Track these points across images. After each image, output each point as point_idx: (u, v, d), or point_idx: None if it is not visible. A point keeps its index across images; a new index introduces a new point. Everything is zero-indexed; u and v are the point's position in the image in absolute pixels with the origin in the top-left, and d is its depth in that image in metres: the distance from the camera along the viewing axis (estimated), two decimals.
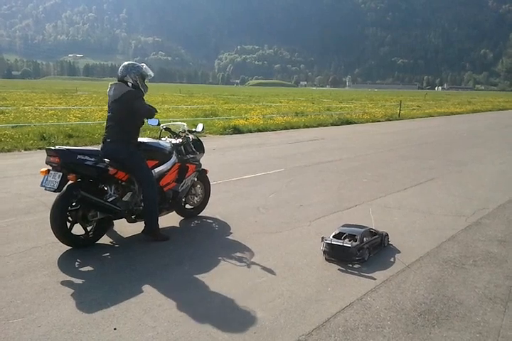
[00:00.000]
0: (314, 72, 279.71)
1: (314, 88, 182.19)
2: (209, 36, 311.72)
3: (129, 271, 3.81)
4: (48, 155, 4.12)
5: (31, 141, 10.40)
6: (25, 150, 9.89)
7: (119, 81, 4.55)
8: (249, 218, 5.44)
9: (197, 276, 3.74)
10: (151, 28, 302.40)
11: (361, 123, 20.83)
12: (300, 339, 2.85)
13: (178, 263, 4.01)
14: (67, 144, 10.33)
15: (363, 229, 4.31)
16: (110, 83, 4.62)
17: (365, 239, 4.22)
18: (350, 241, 4.15)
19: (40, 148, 9.86)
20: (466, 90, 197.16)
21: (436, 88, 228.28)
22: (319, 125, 18.59)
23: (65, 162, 4.06)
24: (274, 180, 7.73)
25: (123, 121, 4.46)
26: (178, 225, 5.20)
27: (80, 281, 3.61)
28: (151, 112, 4.58)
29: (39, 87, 59.77)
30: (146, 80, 4.67)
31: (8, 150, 9.70)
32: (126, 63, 4.62)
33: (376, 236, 4.39)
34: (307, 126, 17.87)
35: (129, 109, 4.42)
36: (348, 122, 20.22)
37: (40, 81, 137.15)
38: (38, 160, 4.13)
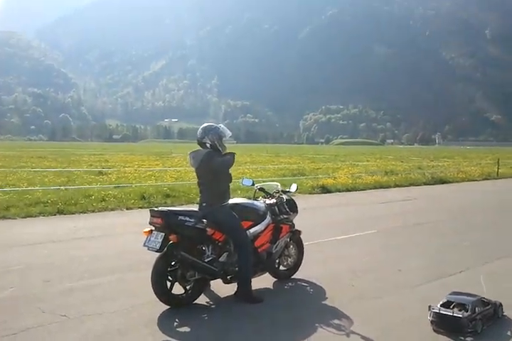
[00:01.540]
0: (401, 129, 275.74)
1: (402, 146, 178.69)
2: (294, 98, 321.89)
3: (224, 334, 3.77)
4: (151, 216, 4.33)
5: (132, 201, 11.04)
6: (127, 209, 10.51)
7: (198, 143, 4.68)
8: (345, 281, 5.24)
9: None
10: (240, 93, 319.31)
11: (456, 182, 19.83)
12: None
13: (273, 328, 3.91)
14: (165, 203, 10.85)
15: (474, 298, 3.97)
16: (188, 153, 4.76)
17: (477, 308, 3.86)
18: (460, 310, 3.82)
19: (140, 207, 10.43)
20: None
21: None
22: (411, 184, 17.96)
23: (167, 223, 4.23)
24: (368, 241, 7.47)
25: (212, 184, 4.60)
26: (271, 287, 5.13)
27: None
28: (227, 162, 4.59)
29: (138, 149, 64.48)
30: (223, 140, 4.71)
31: (112, 209, 10.36)
32: (204, 125, 4.74)
33: (489, 306, 4.01)
34: (398, 186, 17.33)
35: (212, 171, 4.54)
36: (442, 181, 19.34)
37: (139, 144, 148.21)
38: (139, 218, 4.37)
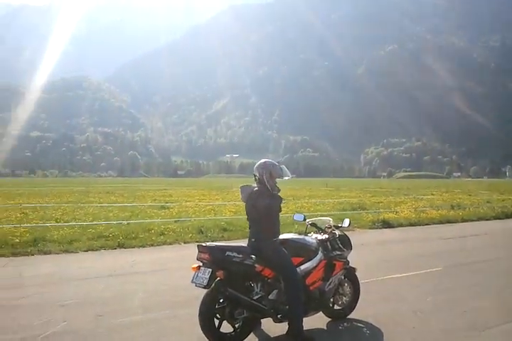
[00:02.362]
0: (468, 162, 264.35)
1: (469, 179, 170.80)
2: (354, 132, 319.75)
3: None
4: (199, 251, 4.30)
5: (190, 235, 11.14)
6: (185, 243, 10.60)
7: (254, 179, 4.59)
8: (405, 323, 4.90)
9: None
10: (300, 128, 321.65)
11: None
12: None
13: None
14: (222, 238, 10.88)
15: None
16: (240, 186, 4.69)
17: None
18: None
19: (197, 241, 10.46)
20: None
21: None
22: (479, 219, 16.94)
23: (214, 258, 4.17)
24: (431, 280, 7.01)
25: (259, 220, 4.50)
26: (325, 327, 4.89)
27: None
28: (276, 208, 4.46)
29: (200, 184, 65.96)
30: (277, 179, 4.54)
31: (170, 243, 10.49)
32: (263, 160, 4.63)
33: None
34: (465, 220, 16.38)
35: (258, 208, 4.45)
36: None
37: (201, 179, 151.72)
38: (195, 253, 4.35)
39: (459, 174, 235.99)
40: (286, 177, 4.61)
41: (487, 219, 17.00)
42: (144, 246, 10.09)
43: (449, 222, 15.98)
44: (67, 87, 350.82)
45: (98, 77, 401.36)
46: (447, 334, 4.54)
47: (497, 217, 17.42)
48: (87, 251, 9.38)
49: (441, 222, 15.74)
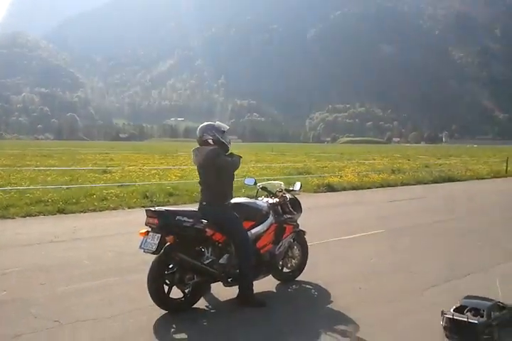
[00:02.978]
0: (408, 128, 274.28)
1: (408, 145, 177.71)
2: (300, 98, 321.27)
3: (226, 340, 3.58)
4: (147, 216, 4.13)
5: (135, 200, 10.86)
6: (129, 208, 10.33)
7: (199, 144, 4.51)
8: (352, 284, 5.02)
9: None
10: (247, 92, 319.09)
11: (464, 180, 19.53)
12: None
13: (276, 334, 3.71)
14: (168, 202, 10.68)
15: (489, 303, 3.73)
16: (191, 149, 4.60)
17: (493, 314, 3.62)
18: (475, 316, 3.59)
19: (143, 206, 10.17)
20: None
21: None
22: (418, 182, 17.69)
23: (163, 223, 4.03)
24: (375, 241, 7.24)
25: (213, 183, 4.41)
26: (274, 290, 4.92)
27: None
28: (234, 163, 4.44)
29: (143, 148, 64.49)
30: (225, 133, 4.53)
31: (113, 209, 10.18)
32: (200, 125, 4.58)
33: (505, 311, 3.77)
34: (405, 184, 17.06)
35: (216, 169, 4.35)
36: (450, 179, 19.04)
37: (145, 143, 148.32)
38: (141, 218, 4.20)
39: (399, 139, 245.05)
40: (226, 128, 4.57)
41: (425, 183, 17.76)
42: (85, 212, 9.73)
43: (389, 185, 16.57)
44: (2, 44, 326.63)
45: (35, 33, 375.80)
46: (391, 294, 4.69)
47: (435, 181, 18.25)
48: (24, 216, 8.93)
49: (382, 186, 16.28)
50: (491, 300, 3.83)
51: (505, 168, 23.69)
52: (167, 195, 11.52)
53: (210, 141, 4.44)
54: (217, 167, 4.35)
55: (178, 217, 4.10)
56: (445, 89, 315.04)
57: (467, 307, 3.76)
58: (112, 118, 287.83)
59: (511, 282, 5.09)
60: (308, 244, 5.40)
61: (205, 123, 4.59)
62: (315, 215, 9.39)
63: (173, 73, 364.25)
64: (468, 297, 3.96)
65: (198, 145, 4.53)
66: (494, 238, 7.67)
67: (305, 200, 5.79)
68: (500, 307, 3.80)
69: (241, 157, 4.59)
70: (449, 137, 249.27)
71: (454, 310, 3.72)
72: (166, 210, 4.17)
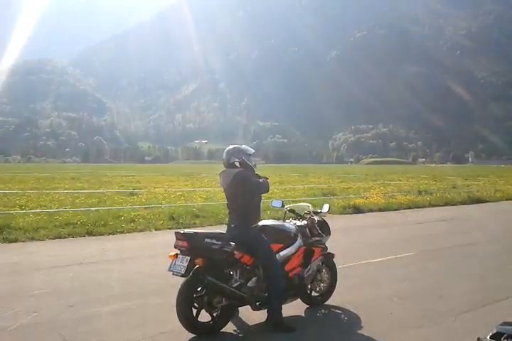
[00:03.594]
0: (433, 148, 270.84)
1: (434, 165, 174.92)
2: (323, 119, 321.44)
3: None
4: (176, 238, 4.15)
5: (161, 221, 10.92)
6: (156, 230, 10.39)
7: (226, 167, 4.53)
8: (382, 309, 4.90)
9: None
10: (269, 114, 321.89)
11: (494, 201, 19.06)
12: None
13: None
14: (194, 224, 10.71)
15: None
16: (218, 173, 4.62)
17: None
18: None
19: (169, 228, 10.26)
20: None
21: None
22: (446, 204, 17.33)
23: (193, 246, 4.04)
24: (405, 265, 7.09)
25: (241, 205, 4.41)
26: (303, 314, 4.84)
27: None
28: (264, 185, 4.45)
29: (168, 170, 65.16)
30: (251, 156, 4.56)
31: (141, 230, 10.25)
32: (227, 149, 4.60)
33: None
34: (433, 205, 16.74)
35: (242, 191, 4.35)
36: (479, 201, 18.60)
37: (169, 165, 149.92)
38: (168, 240, 4.22)
39: (424, 160, 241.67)
40: (252, 152, 4.62)
41: (454, 204, 17.39)
42: (113, 234, 9.83)
43: (417, 207, 16.27)
44: (30, 71, 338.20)
45: (62, 60, 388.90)
46: (423, 319, 4.56)
47: (463, 202, 17.85)
48: (54, 238, 9.06)
49: (409, 207, 16.01)
50: None
51: None
52: (193, 217, 11.57)
53: (237, 164, 4.47)
54: (246, 189, 4.36)
55: (206, 240, 4.11)
56: (470, 110, 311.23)
57: (504, 334, 3.61)
58: (138, 142, 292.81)
59: None
60: (337, 267, 5.32)
61: (232, 146, 4.63)
62: (342, 237, 9.27)
63: (196, 96, 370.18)
64: (505, 323, 3.80)
65: (225, 168, 4.57)
66: None
67: (331, 222, 5.73)
68: None
69: (268, 178, 4.59)
70: (475, 157, 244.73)
71: (490, 337, 3.58)
72: (195, 233, 4.19)
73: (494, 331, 3.70)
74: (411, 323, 4.45)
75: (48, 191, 19.12)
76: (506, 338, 3.57)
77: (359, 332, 4.28)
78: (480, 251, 8.29)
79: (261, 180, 4.47)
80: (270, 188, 4.75)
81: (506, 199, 19.90)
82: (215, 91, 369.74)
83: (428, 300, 5.23)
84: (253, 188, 4.39)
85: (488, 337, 3.59)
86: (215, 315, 4.16)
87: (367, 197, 17.61)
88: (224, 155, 4.57)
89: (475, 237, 9.70)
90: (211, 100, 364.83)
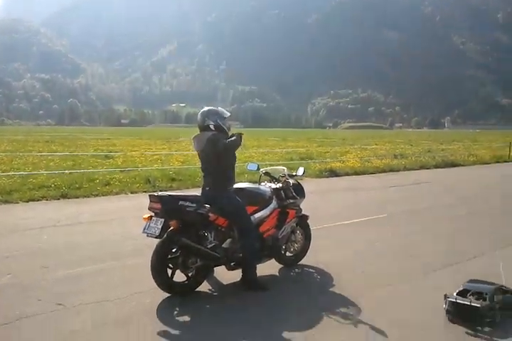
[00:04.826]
0: (410, 113, 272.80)
1: (410, 130, 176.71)
2: (302, 83, 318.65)
3: (227, 324, 3.59)
4: (150, 201, 4.14)
5: (137, 185, 10.88)
6: (132, 193, 10.34)
7: (201, 129, 4.49)
8: (354, 268, 5.03)
9: (301, 333, 3.42)
10: (248, 78, 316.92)
11: (468, 165, 19.48)
12: None
13: (280, 316, 3.73)
14: (170, 187, 10.68)
15: (493, 287, 3.74)
16: (192, 137, 4.57)
17: (495, 297, 3.63)
18: (478, 299, 3.60)
19: (146, 192, 10.20)
20: None
21: None
22: (421, 167, 17.64)
23: (167, 208, 4.04)
24: (378, 226, 7.25)
25: (215, 168, 4.39)
26: (277, 274, 4.93)
27: (177, 332, 3.46)
28: (235, 141, 4.31)
29: (145, 134, 64.32)
30: (226, 119, 4.51)
31: (116, 193, 10.19)
32: (202, 110, 4.56)
33: (508, 295, 3.79)
34: (408, 169, 17.02)
35: (217, 153, 4.31)
36: (453, 164, 18.99)
37: (146, 128, 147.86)
38: (144, 203, 4.20)
39: (401, 125, 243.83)
40: (228, 115, 4.55)
41: (428, 168, 17.72)
42: (88, 197, 9.77)
43: (392, 170, 16.54)
44: (1, 31, 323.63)
45: (34, 20, 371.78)
46: (394, 277, 4.70)
47: (437, 166, 18.20)
48: (28, 201, 8.96)
49: (385, 171, 16.26)
50: (494, 284, 3.84)
51: (508, 152, 23.59)
52: (170, 180, 11.54)
53: (212, 127, 4.43)
54: (218, 152, 4.31)
55: (181, 202, 4.10)
56: (447, 75, 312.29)
57: (470, 291, 3.76)
58: (113, 104, 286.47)
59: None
60: (311, 228, 5.40)
61: (207, 108, 4.57)
62: (318, 200, 9.39)
63: (173, 58, 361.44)
64: (471, 281, 3.97)
65: (199, 130, 4.51)
66: (496, 222, 7.67)
67: (308, 185, 5.78)
68: (503, 290, 3.81)
69: (242, 134, 4.46)
70: (451, 122, 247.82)
71: (457, 294, 3.73)
72: (169, 195, 4.19)
73: (461, 288, 3.87)
74: (381, 281, 4.58)
75: (21, 154, 18.71)
76: (472, 294, 3.74)
77: (331, 290, 4.40)
78: (451, 213, 8.51)
79: (233, 138, 4.38)
80: (248, 152, 4.70)
81: (479, 164, 20.36)
82: (193, 53, 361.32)
83: (399, 260, 5.38)
84: (226, 147, 4.31)
85: (454, 294, 3.75)
86: (190, 275, 4.21)
87: (343, 161, 17.81)
88: (199, 116, 4.52)
89: (446, 200, 9.95)
90: (189, 63, 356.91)
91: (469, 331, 3.44)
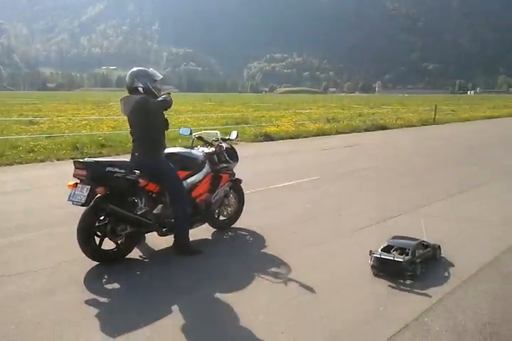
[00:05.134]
0: (343, 78, 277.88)
1: (343, 94, 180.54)
2: (238, 47, 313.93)
3: (159, 289, 3.56)
4: (75, 167, 3.94)
5: (64, 151, 10.41)
6: (58, 160, 9.88)
7: (129, 91, 4.28)
8: (286, 229, 5.14)
9: (233, 294, 3.46)
10: (183, 40, 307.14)
11: (396, 128, 20.27)
12: None
13: (212, 279, 3.75)
14: (100, 154, 10.31)
15: (414, 242, 3.95)
16: (119, 99, 4.36)
17: (417, 252, 3.85)
18: (401, 254, 3.80)
19: (72, 158, 9.76)
20: (500, 94, 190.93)
21: (468, 92, 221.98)
22: (352, 131, 18.15)
23: (93, 174, 3.87)
24: (310, 188, 7.42)
25: (145, 132, 4.23)
26: (210, 237, 4.94)
27: (106, 300, 3.39)
28: (165, 101, 4.15)
29: (73, 98, 61.21)
30: (157, 82, 4.31)
31: (41, 161, 9.70)
32: (131, 70, 4.33)
33: (428, 249, 4.03)
34: (340, 133, 17.46)
35: (145, 117, 4.15)
36: (383, 128, 19.69)
37: (74, 93, 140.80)
38: (71, 170, 3.99)
39: (335, 89, 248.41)
40: (160, 78, 4.35)
41: (359, 131, 18.25)
42: (11, 165, 9.26)
43: (325, 134, 16.88)
44: None
45: None
46: (324, 237, 4.85)
47: (368, 129, 18.79)
48: None
49: (318, 135, 16.57)
50: (416, 239, 4.05)
51: (433, 116, 24.76)
52: (99, 147, 11.14)
53: (141, 89, 4.23)
54: (147, 114, 4.15)
55: (108, 168, 3.94)
56: (380, 40, 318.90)
57: (394, 246, 3.96)
58: (39, 67, 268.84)
59: (434, 222, 5.41)
60: (244, 192, 5.42)
61: (137, 69, 4.34)
62: (252, 164, 9.45)
63: (103, 19, 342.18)
64: (394, 237, 4.17)
65: (127, 92, 4.30)
66: (420, 182, 8.08)
67: (242, 149, 5.77)
68: (423, 245, 4.04)
69: (170, 93, 4.31)
70: (382, 87, 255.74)
71: (381, 250, 3.92)
72: (96, 161, 4.01)
73: (385, 244, 4.06)
74: (312, 241, 4.72)
75: None
76: (395, 250, 3.93)
77: (263, 251, 4.47)
78: (379, 174, 8.86)
79: (161, 97, 4.22)
80: (183, 117, 4.55)
81: (406, 126, 21.23)
82: (123, 13, 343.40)
83: (329, 220, 5.56)
84: (157, 106, 4.15)
85: (379, 250, 3.93)
86: (119, 242, 4.10)
87: (278, 126, 17.92)
88: (127, 77, 4.30)
89: (376, 162, 10.32)
90: (119, 23, 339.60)
91: (392, 284, 3.64)
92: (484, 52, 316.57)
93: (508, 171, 9.19)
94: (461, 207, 6.22)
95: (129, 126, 4.40)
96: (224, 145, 5.11)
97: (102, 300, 3.38)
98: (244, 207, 5.36)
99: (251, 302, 3.31)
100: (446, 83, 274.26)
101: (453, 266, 4.04)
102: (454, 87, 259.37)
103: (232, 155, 5.20)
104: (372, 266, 3.83)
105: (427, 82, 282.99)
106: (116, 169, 3.97)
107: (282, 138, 15.19)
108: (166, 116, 4.38)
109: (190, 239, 4.40)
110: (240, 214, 5.32)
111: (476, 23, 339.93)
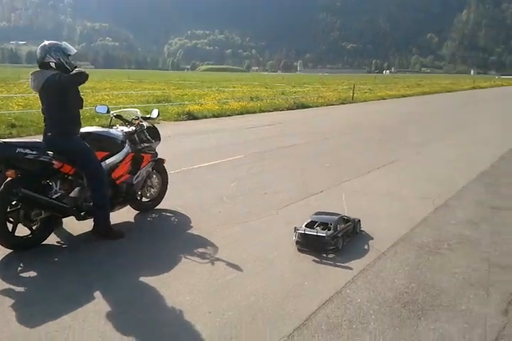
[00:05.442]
0: (266, 57, 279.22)
1: (266, 73, 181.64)
2: (158, 21, 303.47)
3: (79, 276, 3.40)
4: None
5: None
6: None
7: (39, 66, 3.99)
8: (212, 209, 5.11)
9: (158, 277, 3.39)
10: (98, 14, 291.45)
11: (316, 106, 20.73)
12: None
13: (136, 264, 3.64)
14: (10, 135, 9.61)
15: (336, 217, 4.09)
16: (30, 73, 4.04)
17: (338, 227, 3.99)
18: (324, 229, 3.92)
19: None
20: (413, 73, 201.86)
21: (384, 72, 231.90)
22: (275, 109, 18.32)
23: (2, 157, 3.61)
24: (235, 167, 7.41)
25: (58, 110, 3.97)
26: (133, 220, 4.79)
27: (22, 289, 3.20)
28: (79, 74, 3.92)
29: None
30: (70, 57, 4.06)
31: None
32: (42, 44, 4.03)
33: (349, 224, 4.18)
34: (263, 111, 17.56)
35: (58, 94, 3.89)
36: (304, 106, 20.05)
37: None
38: None
39: (257, 68, 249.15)
40: (74, 52, 4.08)
41: (281, 110, 18.47)
42: None
43: (248, 112, 16.91)
44: None
45: None
46: (249, 215, 4.88)
47: (290, 108, 19.05)
48: None
49: (242, 113, 16.56)
50: (338, 214, 4.19)
51: (351, 94, 25.61)
52: (9, 127, 10.38)
53: (53, 65, 3.94)
54: (60, 91, 3.88)
55: (18, 150, 3.67)
56: (301, 19, 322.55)
57: (317, 222, 4.07)
58: None
59: (355, 197, 5.63)
60: (168, 172, 5.29)
61: (49, 42, 4.03)
62: (175, 143, 9.27)
63: None
64: (317, 213, 4.29)
65: (38, 66, 3.99)
66: (341, 159, 8.36)
67: (165, 128, 5.62)
68: (345, 220, 4.19)
69: (85, 72, 4.02)
70: (303, 66, 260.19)
71: (305, 226, 4.01)
72: (4, 142, 3.71)
73: (309, 220, 4.15)
74: (238, 219, 4.73)
75: None
76: (319, 225, 4.04)
77: (188, 232, 4.41)
78: (302, 151, 9.05)
79: (74, 71, 3.96)
80: (100, 94, 4.29)
81: (327, 105, 21.78)
82: None
83: (254, 198, 5.59)
84: (71, 80, 3.90)
85: (303, 226, 4.02)
86: (34, 228, 3.87)
87: (202, 104, 17.68)
88: (38, 50, 3.98)
89: (298, 140, 10.51)
90: None
91: (316, 259, 3.75)
92: (398, 33, 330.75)
93: (415, 147, 9.75)
94: (378, 182, 6.52)
95: (40, 104, 4.10)
96: (145, 124, 4.93)
97: (18, 289, 3.19)
98: (167, 187, 5.25)
99: (177, 285, 3.26)
100: (364, 62, 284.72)
101: (372, 239, 4.23)
102: (371, 67, 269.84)
103: (154, 134, 5.04)
104: (297, 242, 3.92)
105: (346, 62, 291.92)
106: (27, 150, 3.71)
107: (206, 117, 15.01)
108: (81, 93, 4.13)
109: (112, 223, 4.24)
110: (163, 196, 5.21)
111: (392, 2, 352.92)
